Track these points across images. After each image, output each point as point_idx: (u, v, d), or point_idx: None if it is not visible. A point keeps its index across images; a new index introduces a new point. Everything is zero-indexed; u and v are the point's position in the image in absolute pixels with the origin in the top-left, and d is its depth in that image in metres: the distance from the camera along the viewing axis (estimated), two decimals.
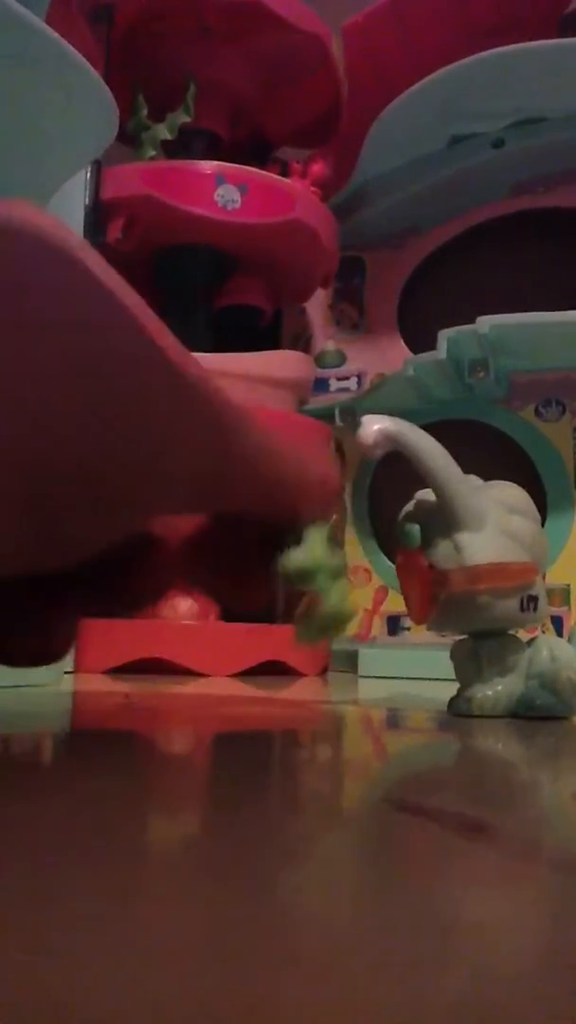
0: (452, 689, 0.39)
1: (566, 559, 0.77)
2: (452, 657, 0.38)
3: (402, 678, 0.75)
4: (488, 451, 0.84)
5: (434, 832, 0.17)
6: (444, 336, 0.79)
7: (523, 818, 0.19)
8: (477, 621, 0.36)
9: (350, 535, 0.91)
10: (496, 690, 0.36)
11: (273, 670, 0.76)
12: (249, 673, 0.76)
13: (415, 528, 0.35)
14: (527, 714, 0.36)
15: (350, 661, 0.82)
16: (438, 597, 0.35)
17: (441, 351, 0.79)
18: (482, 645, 0.37)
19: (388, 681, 0.74)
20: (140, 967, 0.10)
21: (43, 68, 0.51)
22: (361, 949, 0.11)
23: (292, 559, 0.36)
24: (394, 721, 0.41)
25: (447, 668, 0.74)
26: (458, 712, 0.37)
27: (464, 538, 0.34)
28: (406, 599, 0.36)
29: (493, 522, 0.34)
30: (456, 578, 0.34)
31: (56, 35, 0.50)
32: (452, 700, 0.38)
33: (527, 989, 0.10)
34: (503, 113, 0.85)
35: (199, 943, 0.11)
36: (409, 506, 0.36)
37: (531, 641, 0.37)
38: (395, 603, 0.86)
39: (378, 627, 0.88)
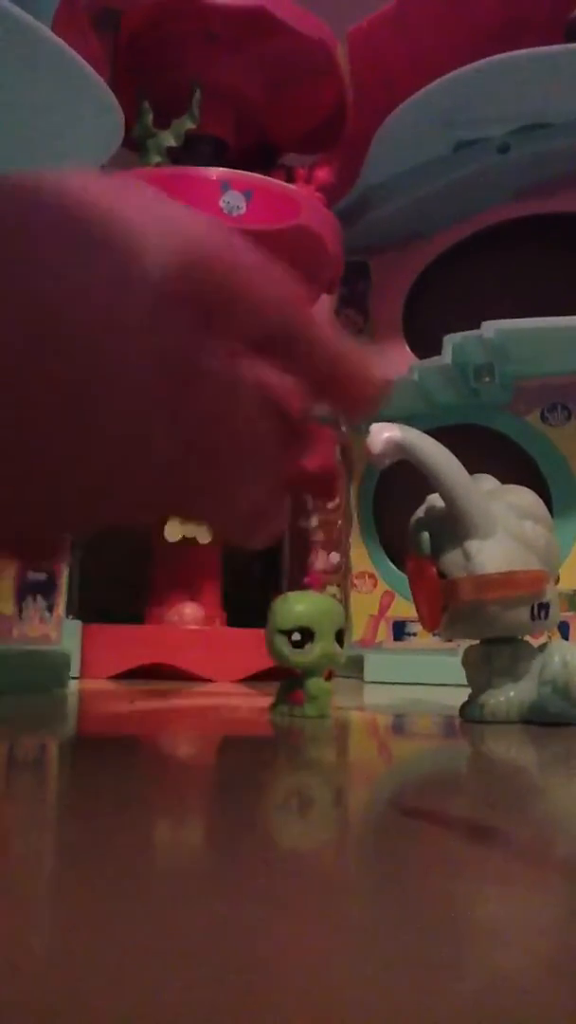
0: (458, 694, 0.39)
1: (572, 564, 0.77)
2: (464, 663, 0.38)
3: (408, 683, 0.75)
4: (493, 456, 0.84)
5: (444, 837, 0.17)
6: (449, 341, 0.79)
7: (534, 823, 0.19)
8: (486, 629, 0.36)
9: (356, 540, 0.90)
10: (508, 696, 0.35)
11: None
12: (255, 678, 0.76)
13: (425, 535, 0.34)
14: (539, 720, 0.35)
15: (356, 666, 0.81)
16: (447, 605, 0.34)
17: (446, 356, 0.79)
18: (494, 651, 0.36)
19: (394, 686, 0.74)
20: (147, 968, 0.10)
21: (49, 75, 0.51)
22: (371, 952, 0.11)
23: (302, 656, 0.37)
24: (402, 726, 0.40)
25: (453, 673, 0.73)
26: (471, 718, 0.36)
27: (473, 546, 0.33)
28: (416, 605, 0.36)
29: (504, 528, 0.34)
30: (465, 587, 0.33)
31: (62, 42, 0.50)
32: (464, 706, 0.38)
33: (539, 992, 0.10)
34: (508, 118, 0.85)
35: (206, 946, 0.11)
36: (420, 512, 0.35)
37: (543, 647, 0.37)
38: (400, 608, 0.86)
39: (384, 632, 0.87)
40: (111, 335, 0.20)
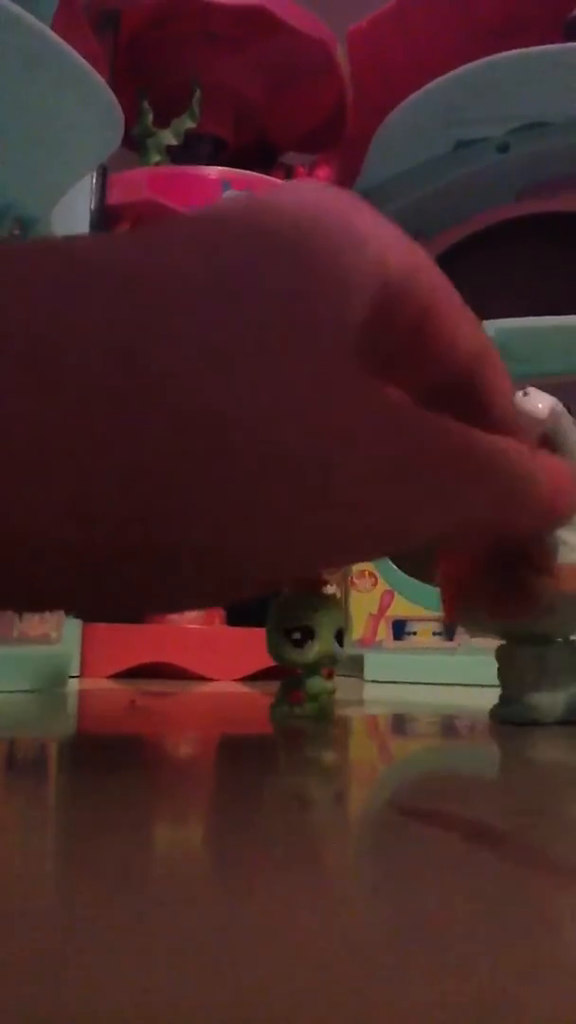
0: (458, 693, 0.39)
1: None
2: (499, 660, 0.37)
3: (408, 682, 0.75)
4: None
5: (448, 839, 0.17)
6: None
7: (545, 825, 0.19)
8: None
9: None
10: (555, 699, 0.35)
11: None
12: (255, 677, 0.76)
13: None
14: (574, 720, 0.35)
15: (356, 665, 0.81)
16: (542, 595, 0.32)
17: None
18: (546, 653, 0.35)
19: (394, 685, 0.74)
20: (143, 970, 0.10)
21: (48, 74, 0.51)
22: (373, 952, 0.11)
23: (302, 655, 0.36)
24: (403, 726, 0.40)
25: (453, 672, 0.73)
26: (515, 720, 0.35)
27: (571, 536, 0.31)
28: (455, 597, 0.34)
29: None
30: (569, 575, 0.31)
31: (62, 41, 0.50)
32: (501, 707, 0.37)
33: (542, 995, 0.10)
34: (508, 117, 0.85)
35: (206, 946, 0.11)
36: None
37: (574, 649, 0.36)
38: (400, 607, 0.86)
39: (384, 631, 0.87)
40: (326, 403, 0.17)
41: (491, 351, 0.26)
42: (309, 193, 0.19)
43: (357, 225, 0.19)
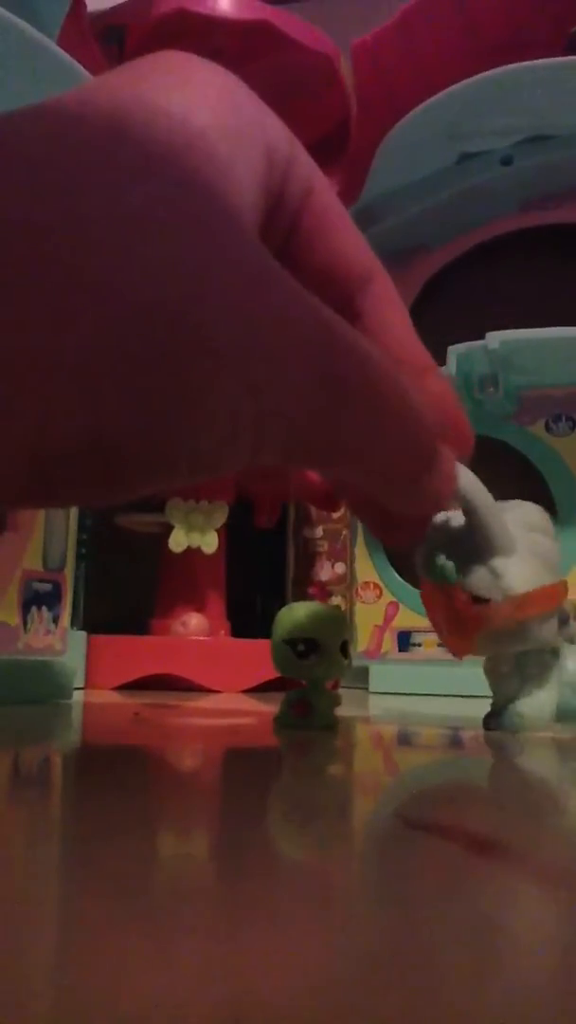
0: (463, 705, 0.39)
1: None
2: (487, 672, 0.37)
3: (413, 694, 0.75)
4: (498, 467, 0.84)
5: (454, 850, 0.17)
6: (453, 352, 0.79)
7: (549, 837, 0.19)
8: (522, 644, 0.35)
9: (360, 550, 0.90)
10: (542, 704, 0.35)
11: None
12: (260, 689, 0.76)
13: (449, 563, 0.33)
14: (561, 723, 0.36)
15: (361, 677, 0.81)
16: (482, 629, 0.33)
17: (451, 367, 0.79)
18: (523, 659, 0.36)
19: (399, 697, 0.74)
20: (147, 978, 0.10)
21: (54, 88, 0.51)
22: (375, 963, 0.11)
23: (307, 666, 0.37)
24: (408, 737, 0.40)
25: (458, 684, 0.73)
26: (505, 727, 0.36)
27: (500, 564, 0.32)
28: (440, 632, 0.35)
29: (522, 545, 0.33)
30: (502, 609, 0.32)
31: (67, 55, 0.50)
32: (492, 716, 0.37)
33: (542, 1009, 0.10)
34: (512, 130, 0.85)
35: (207, 957, 0.11)
36: (431, 534, 0.33)
37: (555, 652, 0.37)
38: (406, 619, 0.86)
39: (389, 642, 0.87)
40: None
41: (380, 272, 0.25)
42: (189, 72, 0.20)
43: (237, 102, 0.20)
